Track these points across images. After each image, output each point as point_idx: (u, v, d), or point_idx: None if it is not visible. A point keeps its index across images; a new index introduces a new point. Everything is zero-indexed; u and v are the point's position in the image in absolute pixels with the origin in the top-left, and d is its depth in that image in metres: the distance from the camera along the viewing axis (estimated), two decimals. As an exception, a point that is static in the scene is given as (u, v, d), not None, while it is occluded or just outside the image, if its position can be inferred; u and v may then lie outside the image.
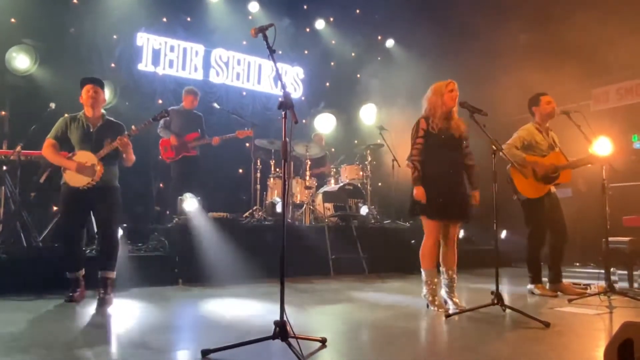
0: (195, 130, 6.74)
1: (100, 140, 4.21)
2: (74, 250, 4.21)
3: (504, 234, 8.03)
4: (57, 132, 4.24)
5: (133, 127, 4.28)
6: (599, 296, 4.38)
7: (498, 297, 3.62)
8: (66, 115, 4.34)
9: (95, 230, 4.39)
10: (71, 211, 4.18)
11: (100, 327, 3.39)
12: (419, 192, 3.86)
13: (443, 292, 4.00)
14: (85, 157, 4.13)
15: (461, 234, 6.73)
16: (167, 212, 6.51)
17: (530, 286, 4.88)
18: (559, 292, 4.77)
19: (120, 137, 4.14)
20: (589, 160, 4.69)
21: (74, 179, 4.11)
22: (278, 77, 2.74)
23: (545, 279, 4.92)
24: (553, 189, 4.89)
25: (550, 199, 4.84)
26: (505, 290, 5.24)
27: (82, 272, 4.26)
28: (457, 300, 3.91)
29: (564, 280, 4.92)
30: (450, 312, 3.72)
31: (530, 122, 4.97)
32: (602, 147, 4.69)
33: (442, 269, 4.01)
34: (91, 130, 4.24)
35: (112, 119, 4.42)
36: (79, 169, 4.09)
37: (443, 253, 4.01)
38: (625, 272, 5.19)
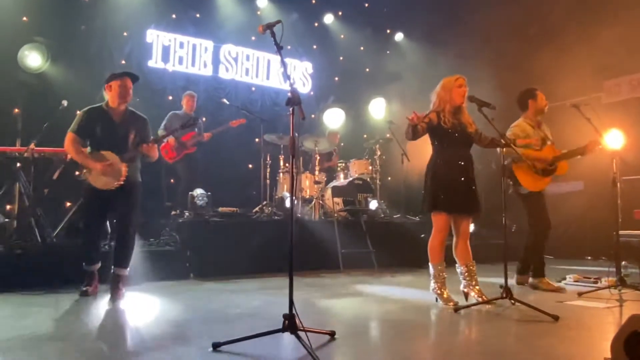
0: (192, 130, 6.87)
1: (125, 133, 4.18)
2: (93, 243, 4.25)
3: (514, 227, 8.00)
4: (79, 125, 4.14)
5: (160, 132, 4.26)
6: (609, 290, 4.37)
7: (507, 290, 3.62)
8: (94, 105, 4.26)
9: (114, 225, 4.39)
10: (93, 207, 4.19)
11: (113, 320, 3.46)
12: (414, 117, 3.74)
13: (462, 287, 4.00)
14: (110, 158, 4.07)
15: (471, 228, 6.72)
16: (173, 212, 6.56)
17: (532, 280, 4.82)
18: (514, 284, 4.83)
19: (145, 145, 4.16)
20: (584, 150, 4.61)
21: (99, 181, 4.06)
22: (285, 74, 2.76)
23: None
24: None
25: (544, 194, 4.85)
26: (515, 284, 5.23)
27: (98, 265, 4.31)
28: (478, 291, 3.88)
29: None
30: (461, 305, 3.74)
31: (521, 117, 4.88)
32: (614, 139, 4.65)
33: (457, 264, 4.03)
34: (116, 123, 4.18)
35: (134, 110, 4.34)
36: (105, 172, 4.04)
37: (457, 248, 4.02)
38: (637, 265, 5.16)
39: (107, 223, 4.88)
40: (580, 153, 4.65)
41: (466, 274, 3.96)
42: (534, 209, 4.79)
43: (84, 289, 4.16)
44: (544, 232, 4.77)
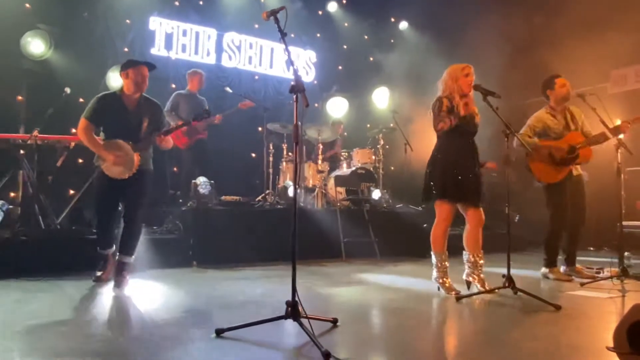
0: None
1: (139, 122, 4.12)
2: (106, 228, 4.24)
3: (517, 217, 7.99)
4: (92, 112, 4.03)
5: (172, 123, 4.21)
6: (611, 280, 4.37)
7: (510, 280, 3.63)
8: (108, 92, 4.23)
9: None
10: (105, 193, 4.15)
11: (117, 307, 3.48)
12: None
13: (465, 275, 3.99)
14: (123, 148, 4.03)
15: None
16: (177, 196, 6.55)
17: (544, 270, 4.84)
18: (573, 276, 4.76)
19: (158, 137, 4.11)
20: (606, 135, 4.57)
21: (112, 171, 4.03)
22: (289, 60, 2.74)
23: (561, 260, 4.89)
24: (576, 171, 4.82)
25: (572, 182, 4.78)
26: (518, 274, 5.21)
27: (112, 249, 4.31)
28: (481, 280, 3.88)
29: (577, 265, 4.91)
30: (463, 294, 3.74)
31: (544, 106, 4.91)
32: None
33: (465, 251, 4.01)
34: (130, 111, 4.11)
35: (148, 96, 4.26)
36: (117, 163, 4.01)
37: (467, 236, 3.99)
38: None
39: None
40: (605, 138, 4.58)
41: (472, 261, 3.95)
42: (551, 200, 4.78)
43: (98, 274, 4.20)
44: (561, 223, 4.75)
